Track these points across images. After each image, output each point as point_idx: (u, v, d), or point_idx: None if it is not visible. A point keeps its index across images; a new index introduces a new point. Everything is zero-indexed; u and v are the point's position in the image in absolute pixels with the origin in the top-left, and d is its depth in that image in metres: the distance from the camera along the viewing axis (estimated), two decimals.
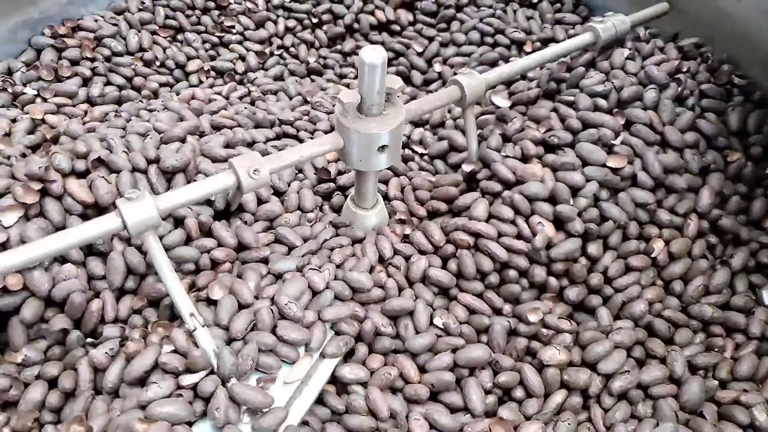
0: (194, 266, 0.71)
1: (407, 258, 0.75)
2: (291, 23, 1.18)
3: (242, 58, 1.13)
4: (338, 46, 1.21)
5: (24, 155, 0.76)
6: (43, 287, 0.63)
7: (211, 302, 0.66)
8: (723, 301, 0.74)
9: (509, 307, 0.74)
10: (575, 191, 0.74)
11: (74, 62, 1.03)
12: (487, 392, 0.67)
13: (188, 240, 0.72)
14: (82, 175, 0.71)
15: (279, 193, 0.81)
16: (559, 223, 0.74)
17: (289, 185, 0.82)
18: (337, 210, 0.83)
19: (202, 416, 0.58)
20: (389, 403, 0.64)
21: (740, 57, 0.91)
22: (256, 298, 0.66)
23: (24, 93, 0.96)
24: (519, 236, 0.73)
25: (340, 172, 0.85)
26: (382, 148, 0.68)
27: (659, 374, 0.67)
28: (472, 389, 0.65)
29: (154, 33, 1.10)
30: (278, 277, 0.70)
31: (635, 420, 0.65)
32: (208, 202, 0.75)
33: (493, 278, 0.73)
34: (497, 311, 0.73)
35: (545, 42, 1.10)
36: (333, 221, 0.79)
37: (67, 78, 1.01)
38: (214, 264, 0.72)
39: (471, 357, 0.67)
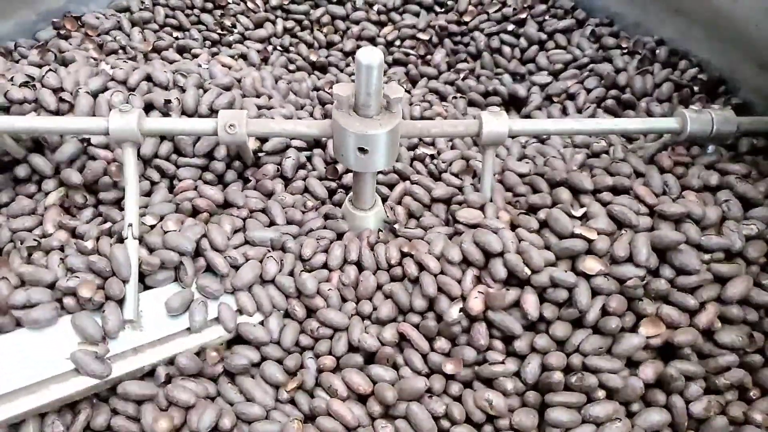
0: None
1: (361, 269, 0.73)
2: (289, 24, 1.21)
3: (244, 57, 1.13)
4: (339, 45, 1.21)
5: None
6: None
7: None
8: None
9: (446, 343, 0.68)
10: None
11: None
12: (438, 419, 0.64)
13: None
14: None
15: (286, 180, 0.84)
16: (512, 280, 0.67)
17: (296, 171, 0.84)
18: (338, 206, 0.84)
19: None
20: (353, 411, 0.64)
21: (738, 57, 0.92)
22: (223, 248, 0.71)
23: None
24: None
25: (348, 171, 0.85)
26: (362, 150, 0.67)
27: (661, 419, 0.61)
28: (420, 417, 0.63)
29: (156, 31, 1.13)
30: (249, 243, 0.74)
31: None
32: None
33: (431, 315, 0.68)
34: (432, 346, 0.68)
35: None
36: (327, 213, 0.80)
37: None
38: (195, 212, 0.76)
39: (404, 387, 0.64)
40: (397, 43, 1.21)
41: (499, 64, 1.15)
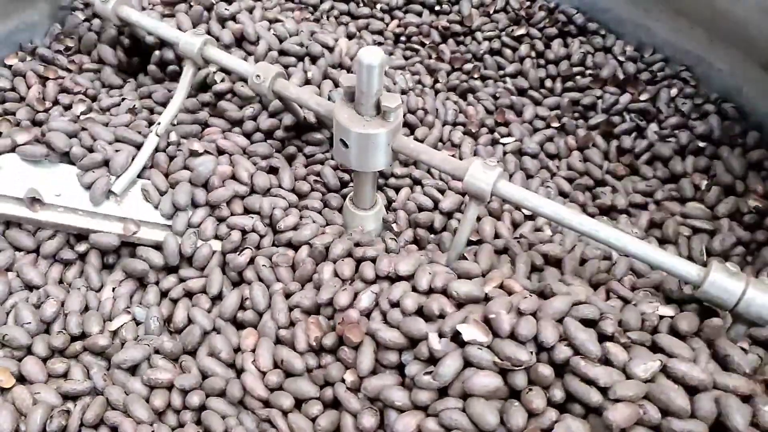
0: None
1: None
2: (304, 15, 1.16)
3: None
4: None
5: None
6: None
7: None
8: None
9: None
10: None
11: None
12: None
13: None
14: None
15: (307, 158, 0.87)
16: None
17: (313, 156, 0.87)
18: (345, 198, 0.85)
19: None
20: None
21: (739, 58, 0.94)
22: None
23: None
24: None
25: None
26: (344, 143, 0.69)
27: None
28: None
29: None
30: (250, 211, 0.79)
31: None
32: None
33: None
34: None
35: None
36: (326, 200, 0.82)
37: None
38: (220, 152, 0.83)
39: (299, 384, 0.63)
40: (403, 39, 1.20)
41: (502, 66, 1.17)
